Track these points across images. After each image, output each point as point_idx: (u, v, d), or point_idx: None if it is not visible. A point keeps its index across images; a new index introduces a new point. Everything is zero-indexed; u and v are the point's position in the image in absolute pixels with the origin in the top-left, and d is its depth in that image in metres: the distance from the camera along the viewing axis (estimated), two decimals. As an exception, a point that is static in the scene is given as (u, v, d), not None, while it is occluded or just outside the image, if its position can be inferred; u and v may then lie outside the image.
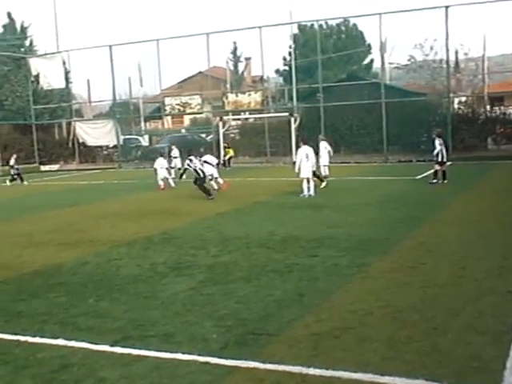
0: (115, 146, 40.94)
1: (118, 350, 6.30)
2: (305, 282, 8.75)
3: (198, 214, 16.04)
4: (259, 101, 35.95)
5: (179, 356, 6.07)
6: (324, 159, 23.61)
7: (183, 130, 47.13)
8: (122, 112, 43.99)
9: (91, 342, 6.49)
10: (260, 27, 34.95)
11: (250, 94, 36.63)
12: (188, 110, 39.23)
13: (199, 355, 6.05)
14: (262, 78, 57.67)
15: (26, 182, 30.22)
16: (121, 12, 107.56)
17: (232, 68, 68.28)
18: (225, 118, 35.47)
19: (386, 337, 6.38)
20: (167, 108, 38.93)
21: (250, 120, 40.87)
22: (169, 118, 58.07)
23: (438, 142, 20.86)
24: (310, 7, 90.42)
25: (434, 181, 20.69)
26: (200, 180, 20.12)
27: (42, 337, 6.74)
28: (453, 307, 7.24)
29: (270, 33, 63.86)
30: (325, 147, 23.82)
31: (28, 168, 38.28)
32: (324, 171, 23.38)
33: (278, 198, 18.77)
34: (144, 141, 46.07)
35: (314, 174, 20.53)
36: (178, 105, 38.18)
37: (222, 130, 34.66)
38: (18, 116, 42.58)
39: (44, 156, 42.01)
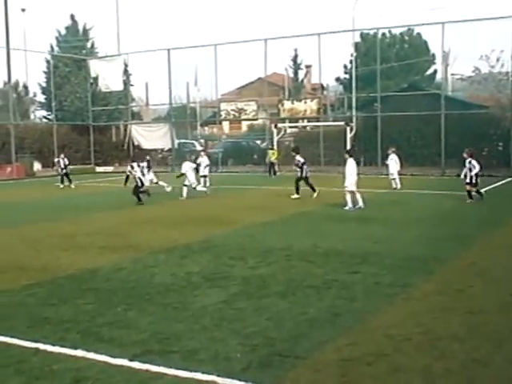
0: (170, 150, 41.13)
1: (136, 365, 6.02)
2: (342, 300, 8.32)
3: (241, 223, 15.74)
4: (315, 109, 35.51)
5: (198, 376, 5.75)
6: (392, 171, 24.18)
7: (224, 137, 46.90)
8: (179, 116, 44.22)
9: (110, 355, 6.23)
10: (319, 34, 34.51)
11: (306, 102, 36.22)
12: (243, 116, 39.10)
13: (218, 376, 5.72)
14: (321, 85, 57.18)
15: (62, 185, 28.35)
16: (180, 16, 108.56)
17: (292, 75, 68.10)
18: (279, 125, 35.15)
19: (422, 367, 5.92)
20: (222, 113, 38.88)
21: (305, 128, 40.48)
22: (226, 123, 58.29)
23: (474, 162, 19.49)
24: (373, 15, 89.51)
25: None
26: (137, 187, 20.96)
27: (62, 346, 6.52)
28: (497, 338, 6.71)
29: (331, 40, 63.41)
30: (393, 159, 23.98)
31: (84, 169, 38.87)
32: (395, 184, 23.99)
33: (325, 209, 18.31)
34: (199, 146, 46.12)
35: (307, 182, 21.28)
36: (234, 110, 38.10)
37: (276, 138, 34.34)
38: (76, 117, 43.31)
39: (99, 157, 42.56)
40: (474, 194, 19.32)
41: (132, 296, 8.62)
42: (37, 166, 39.52)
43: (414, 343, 6.59)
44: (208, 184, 25.21)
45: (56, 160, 29.75)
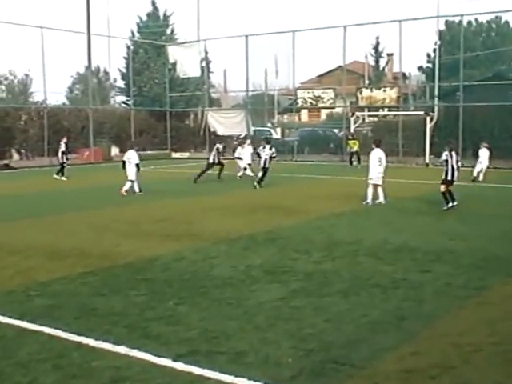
0: (245, 137, 40.82)
1: (179, 366, 5.63)
2: (409, 302, 7.69)
3: (312, 213, 15.20)
4: (394, 97, 34.37)
5: (244, 381, 5.30)
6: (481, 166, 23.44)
7: (298, 125, 45.97)
8: (256, 103, 43.92)
9: (154, 354, 5.85)
10: (400, 21, 33.32)
11: (385, 90, 35.10)
12: (320, 104, 38.34)
13: (265, 383, 5.26)
14: (403, 74, 55.65)
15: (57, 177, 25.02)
16: (259, 2, 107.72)
17: (373, 63, 66.69)
18: (357, 113, 34.26)
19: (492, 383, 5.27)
20: (299, 101, 38.22)
21: (384, 117, 39.33)
22: (305, 111, 57.66)
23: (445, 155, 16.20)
24: (459, 2, 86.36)
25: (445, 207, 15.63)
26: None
27: (105, 341, 6.20)
28: None
29: (414, 28, 61.57)
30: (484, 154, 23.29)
31: (160, 154, 39.13)
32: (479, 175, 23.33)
33: (400, 202, 17.47)
34: (276, 133, 45.66)
35: None
36: (311, 98, 37.39)
37: (353, 126, 33.50)
38: (154, 103, 43.66)
39: (176, 143, 42.76)
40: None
41: (187, 288, 8.26)
42: (114, 150, 40.07)
43: (485, 355, 5.93)
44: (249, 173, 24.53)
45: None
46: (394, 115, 36.37)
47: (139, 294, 7.94)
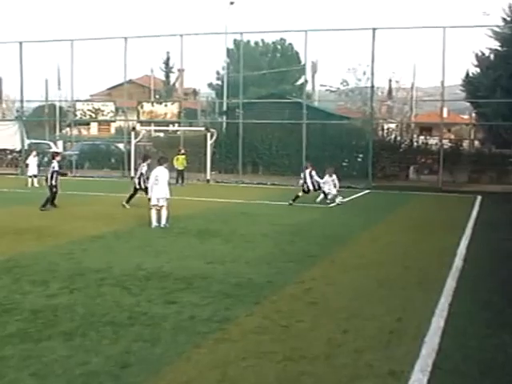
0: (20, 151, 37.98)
1: None
2: (141, 343, 6.75)
3: (67, 236, 13.83)
4: (175, 112, 33.91)
5: None
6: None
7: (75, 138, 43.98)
8: (36, 115, 41.25)
9: None
10: (181, 35, 32.95)
11: (166, 105, 34.53)
12: (100, 118, 36.78)
13: None
14: (194, 90, 55.79)
15: None
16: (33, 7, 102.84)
17: (164, 78, 66.36)
18: (137, 128, 33.32)
19: None
20: (78, 113, 36.33)
21: (170, 132, 38.72)
22: (95, 124, 55.54)
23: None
24: (247, 23, 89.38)
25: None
26: None
27: None
28: (313, 400, 5.40)
29: (204, 45, 62.09)
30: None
31: None
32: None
33: (170, 221, 16.70)
34: (56, 147, 43.11)
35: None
36: (90, 111, 35.70)
37: (134, 141, 32.46)
38: None
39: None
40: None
41: None
42: None
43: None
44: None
45: None
46: (176, 131, 35.93)
47: None
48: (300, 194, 21.37)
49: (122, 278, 9.85)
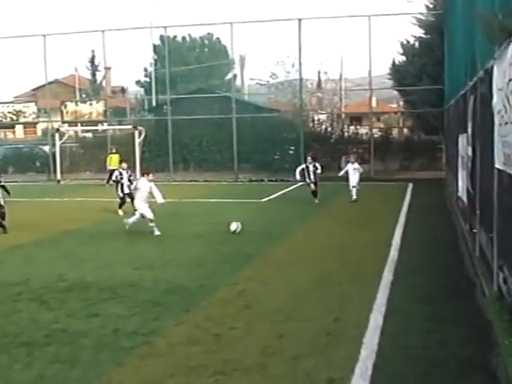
0: None
1: None
2: (58, 365, 6.14)
3: (-16, 248, 12.95)
4: (101, 111, 32.84)
5: None
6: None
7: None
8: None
9: None
10: (103, 31, 31.92)
11: (91, 104, 33.42)
12: (22, 119, 35.33)
13: None
14: (122, 88, 54.50)
15: None
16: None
17: (90, 77, 64.65)
18: (62, 129, 32.15)
19: None
20: (-3, 116, 34.81)
21: (98, 132, 37.56)
22: (20, 127, 53.55)
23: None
24: (171, 20, 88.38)
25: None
26: None
27: None
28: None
29: (130, 41, 60.96)
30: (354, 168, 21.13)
31: None
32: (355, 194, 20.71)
33: (97, 226, 16.00)
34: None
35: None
36: (11, 113, 34.22)
37: (58, 142, 31.30)
38: None
39: None
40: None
41: None
42: None
43: None
44: None
45: None
46: (103, 130, 34.86)
47: None
48: (313, 187, 20.20)
49: (40, 291, 9.16)
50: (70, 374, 5.93)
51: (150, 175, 14.58)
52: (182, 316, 7.76)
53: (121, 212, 17.81)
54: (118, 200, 18.17)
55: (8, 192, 15.16)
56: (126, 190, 17.86)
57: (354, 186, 20.73)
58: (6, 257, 11.93)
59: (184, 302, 8.36)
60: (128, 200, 17.74)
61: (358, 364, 6.00)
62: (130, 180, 17.99)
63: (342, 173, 21.60)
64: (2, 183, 16.15)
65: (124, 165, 18.79)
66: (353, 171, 20.99)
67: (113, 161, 27.91)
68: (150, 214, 14.24)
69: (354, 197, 20.48)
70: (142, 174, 15.05)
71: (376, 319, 7.42)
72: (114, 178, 18.73)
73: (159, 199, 14.44)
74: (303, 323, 7.35)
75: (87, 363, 6.18)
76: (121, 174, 18.29)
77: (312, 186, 20.21)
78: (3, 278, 9.98)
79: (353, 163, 21.37)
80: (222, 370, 5.92)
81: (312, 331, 7.02)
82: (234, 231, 13.93)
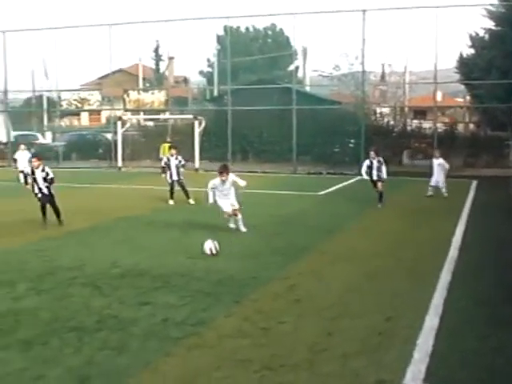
0: (7, 143, 37.10)
1: None
2: (106, 351, 6.15)
3: (43, 232, 13.14)
4: (163, 100, 33.12)
5: None
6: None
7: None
8: (24, 106, 40.44)
9: None
10: (167, 21, 32.16)
11: (153, 93, 33.76)
12: (86, 107, 36.02)
13: None
14: (185, 78, 54.94)
15: None
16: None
17: (154, 66, 65.50)
18: (124, 117, 32.60)
19: None
20: (64, 103, 35.52)
21: (159, 120, 37.95)
22: (86, 114, 54.74)
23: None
24: (235, 10, 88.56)
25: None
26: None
27: None
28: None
29: (194, 32, 61.35)
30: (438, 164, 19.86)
31: None
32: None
33: (154, 213, 16.12)
34: (44, 138, 42.32)
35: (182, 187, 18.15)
36: (76, 100, 34.91)
37: (120, 130, 31.76)
38: None
39: None
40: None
41: None
42: None
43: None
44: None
45: None
46: (163, 119, 35.19)
47: None
48: (379, 186, 17.56)
49: (94, 276, 9.23)
50: (118, 360, 5.91)
51: (224, 175, 13.12)
52: (231, 308, 7.68)
53: (171, 201, 17.90)
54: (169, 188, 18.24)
55: (50, 182, 13.99)
56: (175, 177, 17.97)
57: (436, 184, 19.67)
58: (63, 242, 12.10)
59: (234, 294, 8.27)
60: (178, 188, 17.88)
61: (410, 366, 5.78)
62: (179, 166, 18.05)
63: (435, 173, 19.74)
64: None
65: (172, 151, 18.63)
66: (437, 167, 19.74)
67: (166, 150, 28.01)
68: (226, 208, 13.19)
69: (430, 193, 19.67)
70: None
71: (431, 320, 7.16)
72: (162, 164, 18.69)
73: (241, 183, 13.28)
74: (354, 321, 7.16)
75: (135, 351, 6.16)
76: (168, 160, 18.31)
77: (379, 184, 17.56)
78: (59, 263, 10.10)
79: (437, 158, 20.04)
80: (269, 365, 5.80)
81: (363, 330, 6.83)
82: (212, 253, 10.73)
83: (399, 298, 8.14)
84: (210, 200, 13.21)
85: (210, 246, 10.77)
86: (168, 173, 18.12)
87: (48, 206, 13.97)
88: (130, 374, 5.62)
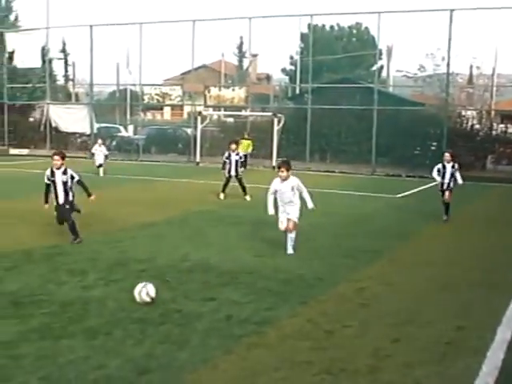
0: (90, 135, 38.15)
1: None
2: (167, 345, 6.19)
3: (119, 223, 13.45)
4: (243, 97, 33.27)
5: None
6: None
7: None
8: (109, 99, 41.57)
9: None
10: (250, 18, 32.28)
11: (233, 90, 33.97)
12: (167, 102, 36.61)
13: None
14: (267, 75, 55.04)
15: None
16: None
17: (237, 63, 66.00)
18: (204, 112, 32.96)
19: None
20: (145, 98, 36.22)
21: (240, 117, 38.20)
22: (168, 109, 55.74)
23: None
24: (319, 8, 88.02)
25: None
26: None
27: None
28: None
29: (278, 30, 61.36)
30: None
31: (-4, 150, 35.84)
32: None
33: (227, 209, 16.21)
34: (126, 131, 43.31)
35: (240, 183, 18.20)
36: (158, 95, 35.52)
37: (200, 126, 32.14)
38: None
39: (15, 139, 39.33)
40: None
41: None
42: None
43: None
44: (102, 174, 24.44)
45: None
46: (242, 115, 35.39)
47: None
48: (446, 196, 15.36)
49: (163, 269, 9.34)
50: (178, 355, 5.94)
51: (282, 171, 10.84)
52: (296, 308, 7.60)
53: (222, 195, 18.00)
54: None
55: (86, 190, 11.59)
56: (233, 173, 18.01)
57: None
58: (137, 234, 12.31)
59: (300, 294, 8.19)
60: (236, 184, 17.92)
61: (477, 380, 5.55)
62: (239, 162, 18.17)
63: None
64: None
65: (233, 146, 18.45)
66: None
67: (244, 146, 28.15)
68: (280, 223, 11.09)
69: None
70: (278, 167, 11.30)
71: (504, 333, 6.86)
72: (223, 158, 18.59)
73: (309, 204, 11.15)
74: (421, 329, 6.94)
75: (195, 347, 6.18)
76: (229, 155, 18.33)
77: (446, 194, 15.31)
78: (131, 255, 10.28)
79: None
80: (329, 370, 5.69)
81: (430, 338, 6.61)
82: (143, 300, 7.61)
83: (470, 307, 7.85)
84: (270, 211, 11.07)
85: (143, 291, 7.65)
86: (227, 167, 18.19)
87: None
88: (189, 369, 5.63)
